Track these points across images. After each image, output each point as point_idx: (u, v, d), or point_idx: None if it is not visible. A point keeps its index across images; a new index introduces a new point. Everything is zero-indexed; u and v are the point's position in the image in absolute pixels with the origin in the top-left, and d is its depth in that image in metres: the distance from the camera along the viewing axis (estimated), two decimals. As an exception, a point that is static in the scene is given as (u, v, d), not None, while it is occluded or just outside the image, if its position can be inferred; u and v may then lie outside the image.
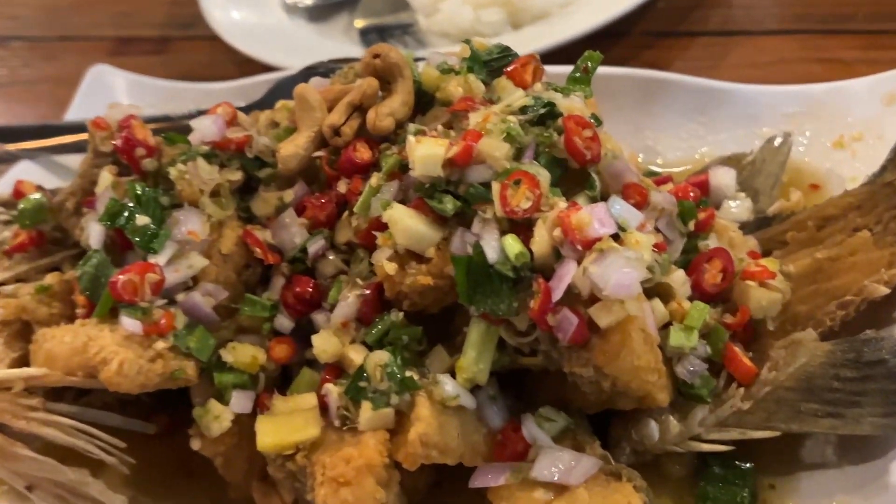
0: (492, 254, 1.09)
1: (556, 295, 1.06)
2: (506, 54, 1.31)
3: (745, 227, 1.39)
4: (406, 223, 1.14)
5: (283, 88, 1.77)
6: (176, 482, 1.36)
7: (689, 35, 1.97)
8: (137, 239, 1.21)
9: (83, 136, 1.78)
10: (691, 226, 1.26)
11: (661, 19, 2.01)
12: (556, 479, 1.11)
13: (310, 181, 1.31)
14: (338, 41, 2.13)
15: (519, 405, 1.21)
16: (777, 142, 1.50)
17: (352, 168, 1.25)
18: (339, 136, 1.26)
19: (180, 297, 1.22)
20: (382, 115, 1.25)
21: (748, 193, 1.45)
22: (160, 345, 1.17)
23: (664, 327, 1.17)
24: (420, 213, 1.16)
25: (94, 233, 1.25)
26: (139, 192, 1.24)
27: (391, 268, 1.15)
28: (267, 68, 2.04)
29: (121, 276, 1.18)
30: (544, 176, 1.13)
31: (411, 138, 1.18)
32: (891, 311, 1.21)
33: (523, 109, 1.19)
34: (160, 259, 1.21)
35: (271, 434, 1.16)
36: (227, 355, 1.22)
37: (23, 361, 1.27)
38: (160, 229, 1.22)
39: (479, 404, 1.17)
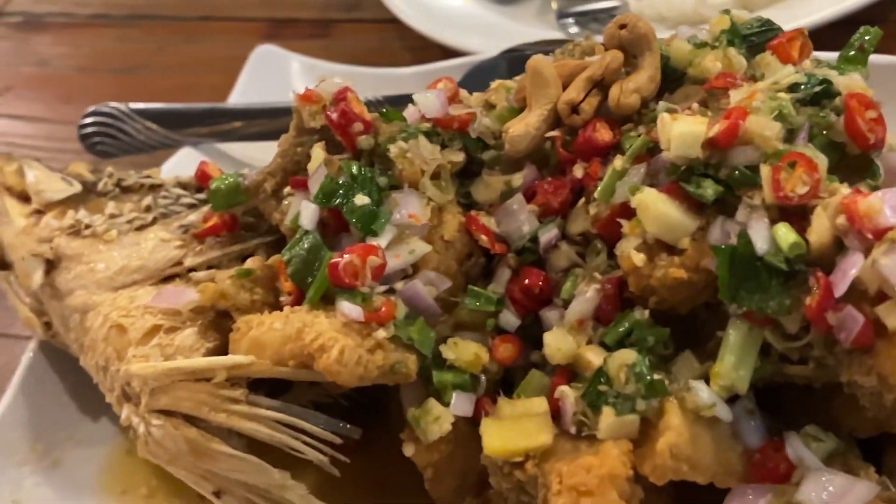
0: (761, 244, 1.18)
1: (840, 290, 1.14)
2: (768, 28, 1.41)
3: None
4: (659, 209, 1.25)
5: (480, 73, 1.91)
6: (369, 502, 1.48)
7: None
8: (356, 220, 1.35)
9: (257, 121, 1.98)
10: None
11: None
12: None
13: (539, 165, 1.42)
14: (531, 24, 2.25)
15: (777, 425, 1.29)
16: None
17: (591, 150, 1.36)
18: (578, 114, 1.38)
19: (399, 285, 1.34)
20: (628, 92, 1.36)
21: None
22: (381, 334, 1.29)
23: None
24: (674, 198, 1.26)
25: (307, 213, 1.38)
26: (355, 172, 1.38)
27: (639, 259, 1.26)
28: (448, 55, 2.18)
29: (342, 260, 1.31)
30: (822, 160, 1.22)
31: (665, 115, 1.28)
32: None
33: (793, 87, 1.29)
34: (381, 242, 1.34)
35: (500, 438, 1.27)
36: (449, 352, 1.33)
37: (218, 352, 1.41)
38: (380, 209, 1.36)
39: (735, 418, 1.25)
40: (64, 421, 1.66)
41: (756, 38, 1.41)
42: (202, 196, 1.64)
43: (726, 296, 1.21)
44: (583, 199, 1.37)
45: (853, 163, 1.27)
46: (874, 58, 1.72)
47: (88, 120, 2.03)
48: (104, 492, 1.57)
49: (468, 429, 1.34)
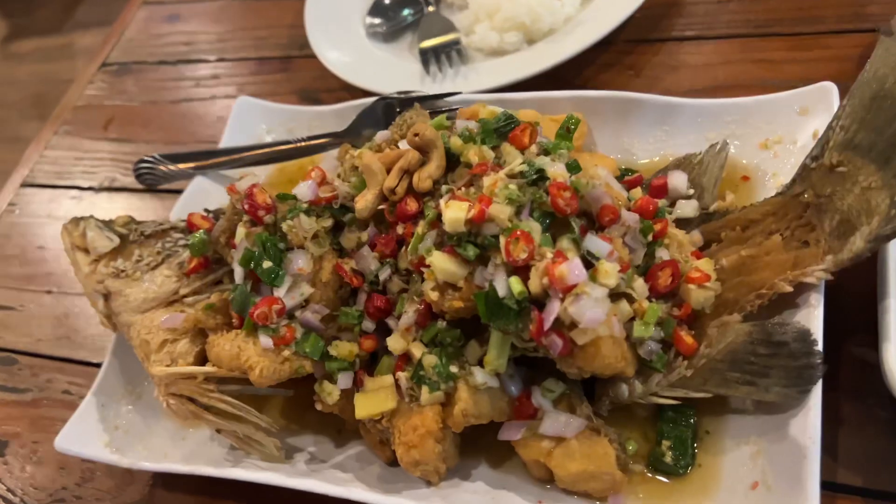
0: (501, 291, 1.05)
1: (547, 324, 1.02)
2: (509, 121, 1.21)
3: (693, 222, 1.30)
4: (442, 265, 1.10)
5: (365, 116, 1.69)
6: (310, 415, 1.37)
7: (659, 41, 1.79)
8: (265, 278, 1.20)
9: (236, 156, 1.77)
10: (650, 237, 1.19)
11: (638, 28, 1.82)
12: (556, 433, 1.11)
13: (379, 223, 1.26)
14: (405, 59, 1.98)
15: (532, 373, 1.18)
16: (717, 147, 1.38)
17: (405, 216, 1.20)
18: (395, 194, 1.20)
19: (297, 313, 1.21)
20: (423, 179, 1.18)
21: (696, 190, 1.35)
22: (286, 352, 1.18)
23: (630, 320, 1.13)
24: (452, 256, 1.11)
25: (236, 272, 1.24)
26: (263, 242, 1.22)
27: (434, 295, 1.12)
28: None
29: (256, 310, 1.17)
30: (536, 230, 1.06)
31: (442, 203, 1.12)
32: (794, 299, 1.13)
33: (522, 174, 1.12)
34: (281, 291, 1.19)
35: (364, 407, 1.17)
36: (333, 350, 1.21)
37: (202, 354, 1.30)
38: (280, 268, 1.21)
39: (501, 381, 1.15)
40: (141, 370, 1.53)
41: (503, 129, 1.21)
42: (192, 238, 1.47)
43: (485, 320, 1.08)
44: (405, 248, 1.21)
45: (561, 221, 1.10)
46: (598, 93, 1.53)
47: (138, 166, 1.83)
48: (165, 414, 1.48)
49: (354, 389, 1.22)
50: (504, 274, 1.05)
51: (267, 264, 1.20)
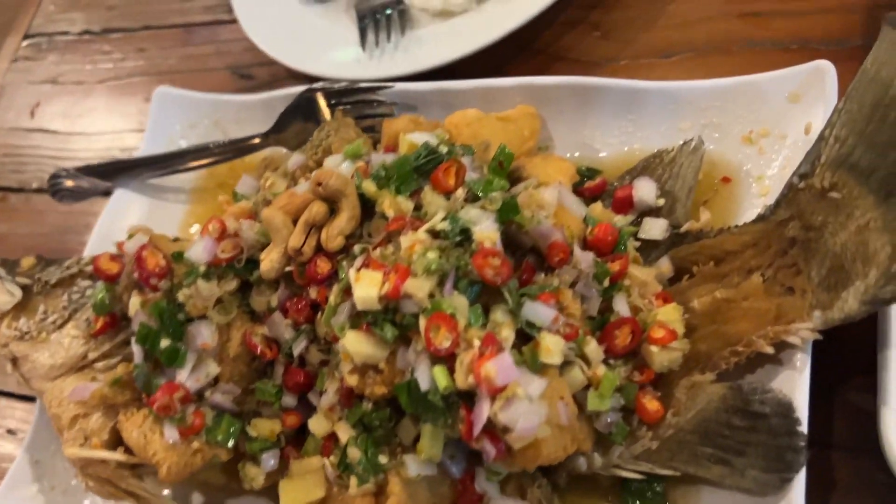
0: (423, 384, 0.88)
1: (477, 429, 0.86)
2: (431, 157, 1.00)
3: (662, 244, 1.11)
4: (357, 347, 0.93)
5: (290, 113, 1.47)
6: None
7: (629, -8, 1.52)
8: (163, 359, 1.04)
9: (158, 165, 1.57)
10: (606, 282, 1.01)
11: (605, -23, 1.55)
12: (505, 523, 0.98)
13: (290, 283, 1.07)
14: (341, 24, 1.71)
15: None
16: (692, 146, 1.16)
17: (316, 280, 1.02)
18: (302, 254, 1.02)
19: (207, 393, 1.06)
20: (332, 237, 0.99)
21: (667, 199, 1.15)
22: (196, 444, 1.04)
23: (585, 387, 0.97)
24: (368, 335, 0.94)
25: (136, 351, 1.07)
26: (161, 312, 1.06)
27: (353, 380, 0.96)
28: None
29: (156, 401, 1.02)
30: (462, 307, 0.89)
31: (352, 274, 0.94)
32: (777, 354, 0.96)
33: (445, 233, 0.93)
34: (184, 373, 1.03)
35: (290, 498, 1.03)
36: (252, 430, 1.07)
37: (117, 430, 1.16)
38: (181, 345, 1.04)
39: (441, 462, 1.00)
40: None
41: (424, 167, 1.01)
42: (100, 285, 1.30)
43: (410, 411, 0.92)
44: (321, 313, 1.04)
45: (492, 289, 0.92)
46: (551, 80, 1.30)
47: (53, 182, 1.63)
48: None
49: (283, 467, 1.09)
50: (427, 363, 0.89)
51: (165, 343, 1.04)
